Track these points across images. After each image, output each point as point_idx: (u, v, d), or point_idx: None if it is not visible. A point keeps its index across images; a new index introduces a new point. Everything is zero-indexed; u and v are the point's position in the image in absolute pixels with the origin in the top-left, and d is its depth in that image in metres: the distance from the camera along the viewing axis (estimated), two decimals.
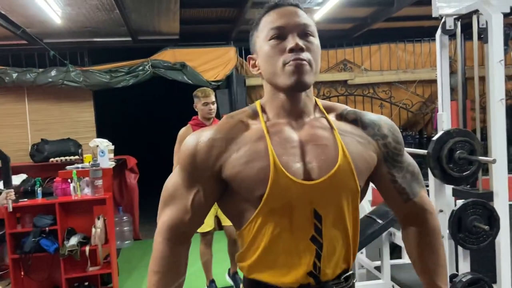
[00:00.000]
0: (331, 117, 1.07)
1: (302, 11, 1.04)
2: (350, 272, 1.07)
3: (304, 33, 1.01)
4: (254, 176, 0.97)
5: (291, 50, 0.98)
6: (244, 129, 1.03)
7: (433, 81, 5.17)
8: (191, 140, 1.04)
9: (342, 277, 1.04)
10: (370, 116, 1.09)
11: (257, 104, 1.08)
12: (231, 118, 1.05)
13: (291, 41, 0.99)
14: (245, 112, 1.07)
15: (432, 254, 1.12)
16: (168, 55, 5.65)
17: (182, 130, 3.41)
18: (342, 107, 1.11)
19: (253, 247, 1.02)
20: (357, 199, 1.03)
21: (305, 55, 0.99)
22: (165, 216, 1.06)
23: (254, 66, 1.08)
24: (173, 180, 1.07)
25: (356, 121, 1.07)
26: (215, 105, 3.39)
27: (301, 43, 0.99)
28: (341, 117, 1.08)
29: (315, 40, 1.03)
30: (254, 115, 1.06)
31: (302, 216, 0.99)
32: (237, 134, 1.02)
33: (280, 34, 1.00)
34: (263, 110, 1.06)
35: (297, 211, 0.98)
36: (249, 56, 1.10)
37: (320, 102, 1.10)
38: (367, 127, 1.06)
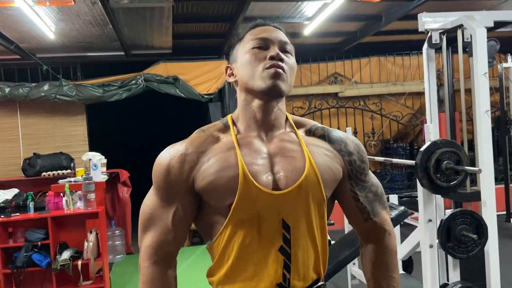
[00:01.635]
0: (300, 132, 1.09)
1: (283, 33, 1.10)
2: (321, 283, 1.07)
3: (284, 49, 1.06)
4: (223, 185, 0.98)
5: (272, 58, 1.03)
6: (215, 142, 1.05)
7: (423, 93, 5.25)
8: (163, 157, 1.05)
9: None
10: (338, 133, 1.13)
11: (228, 118, 1.10)
12: (202, 132, 1.07)
13: (273, 50, 1.04)
14: (216, 126, 1.09)
15: (386, 274, 1.12)
16: (161, 69, 5.70)
17: None
18: (311, 123, 1.14)
19: (223, 260, 1.03)
20: (323, 209, 1.05)
21: (284, 65, 1.04)
22: (147, 240, 1.05)
23: (231, 74, 1.10)
24: (149, 202, 1.06)
25: (324, 136, 1.10)
26: None
27: (281, 54, 1.04)
28: (309, 132, 1.11)
29: (293, 59, 1.08)
30: (225, 129, 1.08)
31: (271, 226, 1.00)
32: (207, 146, 1.04)
33: (262, 44, 1.05)
34: (234, 123, 1.09)
35: (265, 222, 0.99)
36: (227, 65, 1.13)
37: (291, 117, 1.12)
38: (334, 142, 1.09)
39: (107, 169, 4.82)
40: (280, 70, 1.02)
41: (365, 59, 6.47)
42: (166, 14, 4.11)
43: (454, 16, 2.87)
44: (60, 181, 4.22)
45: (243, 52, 1.07)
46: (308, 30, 5.07)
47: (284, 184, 1.00)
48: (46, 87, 5.44)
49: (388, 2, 4.45)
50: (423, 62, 3.15)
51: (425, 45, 3.05)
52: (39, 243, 3.65)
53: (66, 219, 3.83)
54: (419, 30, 3.02)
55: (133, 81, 5.59)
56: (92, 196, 3.75)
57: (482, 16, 2.87)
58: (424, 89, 3.20)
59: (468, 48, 2.77)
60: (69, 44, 5.10)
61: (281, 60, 1.03)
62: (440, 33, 2.97)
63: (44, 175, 5.22)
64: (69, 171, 5.21)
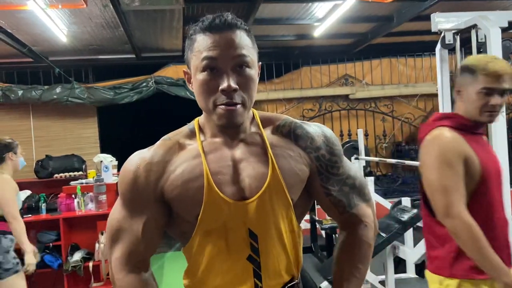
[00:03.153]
0: (267, 131, 1.05)
1: (239, 33, 0.97)
2: (295, 282, 1.05)
3: (239, 65, 0.96)
4: (190, 196, 0.97)
5: (223, 91, 0.95)
6: (180, 149, 1.02)
7: (435, 95, 5.20)
8: (128, 166, 1.02)
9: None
10: (306, 127, 1.07)
11: (195, 122, 1.07)
12: (168, 140, 1.04)
13: (224, 81, 0.95)
14: (182, 132, 1.06)
15: (352, 262, 1.09)
16: (171, 71, 5.72)
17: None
18: (279, 119, 1.08)
19: (194, 267, 1.02)
20: (291, 213, 1.02)
21: (238, 96, 0.96)
22: (117, 252, 1.02)
23: (189, 81, 1.05)
24: (116, 214, 1.03)
25: (290, 134, 1.06)
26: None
27: (233, 83, 0.95)
28: (276, 130, 1.06)
29: (251, 71, 0.98)
30: (192, 135, 1.04)
31: (238, 236, 0.98)
32: (173, 155, 1.01)
33: (213, 66, 0.96)
34: (201, 129, 1.05)
35: (232, 232, 0.98)
36: (184, 70, 1.06)
37: (259, 115, 1.08)
38: (299, 140, 1.05)
39: (118, 171, 4.84)
40: (234, 108, 0.95)
41: (376, 61, 6.42)
42: (177, 17, 4.13)
43: (467, 16, 2.83)
44: (72, 182, 4.24)
45: (193, 67, 0.99)
46: (319, 31, 5.05)
47: (248, 193, 0.98)
48: (58, 90, 5.49)
49: (399, 3, 4.40)
50: (436, 63, 3.11)
51: (438, 46, 3.01)
52: (51, 244, 3.68)
53: (78, 220, 3.85)
54: (432, 30, 2.98)
55: (144, 84, 5.62)
56: (103, 197, 3.76)
57: (496, 16, 2.83)
58: (437, 90, 3.16)
59: (482, 49, 2.73)
60: (81, 47, 5.15)
61: (235, 90, 0.95)
62: (454, 33, 2.93)
63: (56, 177, 5.27)
64: (80, 173, 5.25)
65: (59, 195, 4.06)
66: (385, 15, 4.89)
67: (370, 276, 3.38)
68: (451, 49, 3.04)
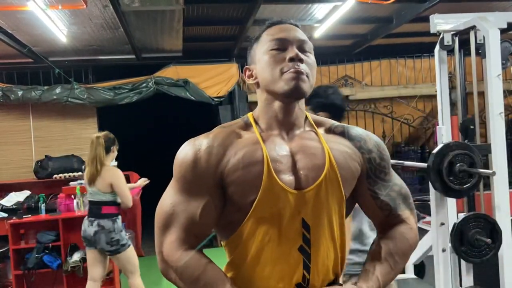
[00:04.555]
0: (320, 130, 1.09)
1: (301, 30, 1.09)
2: (339, 283, 1.05)
3: (302, 48, 1.05)
4: (249, 180, 0.98)
5: (291, 59, 1.01)
6: (238, 137, 1.04)
7: (434, 96, 5.19)
8: (186, 149, 1.02)
9: None
10: (358, 130, 1.11)
11: (249, 116, 1.09)
12: (224, 128, 1.07)
13: (291, 52, 1.02)
14: (237, 123, 1.08)
15: (388, 251, 1.05)
16: (171, 72, 5.72)
17: None
18: (330, 121, 1.13)
19: (241, 257, 1.02)
20: (343, 208, 1.04)
21: (304, 66, 1.02)
22: (172, 236, 1.00)
23: (250, 76, 1.09)
24: (170, 199, 1.02)
25: (344, 133, 1.09)
26: None
27: (300, 54, 1.03)
28: (329, 130, 1.10)
29: (312, 57, 1.07)
30: (246, 126, 1.07)
31: (291, 225, 0.99)
32: (232, 141, 1.03)
33: (280, 46, 1.04)
34: (256, 122, 1.08)
35: (286, 220, 0.99)
36: (246, 67, 1.12)
37: (311, 116, 1.13)
38: (354, 139, 1.08)
39: None
40: (301, 71, 1.01)
41: (375, 62, 6.43)
42: (177, 17, 4.13)
43: (466, 18, 2.84)
44: (71, 183, 4.25)
45: (261, 53, 1.06)
46: (319, 32, 5.06)
47: (305, 183, 1.00)
48: (58, 90, 5.49)
49: (399, 4, 4.41)
50: (435, 64, 3.11)
51: (437, 47, 3.01)
52: (50, 244, 3.69)
53: (77, 221, 3.84)
54: (431, 31, 2.98)
55: (144, 84, 5.62)
56: None
57: (495, 17, 2.83)
58: (436, 91, 3.16)
59: (481, 50, 2.73)
60: (81, 48, 5.15)
61: (301, 60, 1.02)
62: (453, 35, 2.93)
63: (55, 177, 5.27)
64: (80, 173, 5.25)
65: (58, 196, 4.06)
66: (385, 17, 4.90)
67: None
68: (450, 51, 3.04)
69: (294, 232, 0.99)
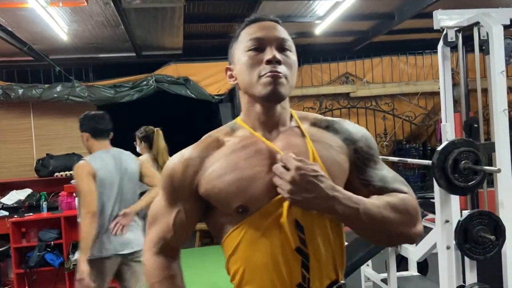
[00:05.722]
0: (305, 125, 1.08)
1: (281, 26, 1.06)
2: (341, 282, 1.04)
3: (282, 47, 1.02)
4: (227, 189, 0.98)
5: (268, 62, 0.99)
6: (220, 146, 1.04)
7: (436, 93, 5.20)
8: (170, 162, 1.09)
9: None
10: (343, 122, 1.10)
11: (238, 120, 1.09)
12: (209, 137, 1.07)
13: (269, 53, 1.00)
14: (223, 130, 1.09)
15: (383, 199, 1.00)
16: (172, 70, 5.71)
17: None
18: (315, 115, 1.12)
19: (237, 259, 1.02)
20: None
21: (282, 68, 1.00)
22: (150, 235, 1.11)
23: (231, 76, 1.08)
24: (157, 201, 1.12)
25: (328, 127, 1.08)
26: None
27: (278, 56, 1.00)
28: (314, 124, 1.09)
29: (292, 56, 1.04)
30: (232, 132, 1.07)
31: (283, 227, 0.98)
32: (211, 151, 1.04)
33: (258, 46, 1.01)
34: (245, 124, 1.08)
35: (277, 222, 0.98)
36: (227, 66, 1.11)
37: (295, 112, 1.11)
38: (338, 133, 1.07)
39: None
40: (279, 75, 0.99)
41: (377, 59, 6.41)
42: (178, 15, 4.12)
43: (470, 14, 2.82)
44: (73, 181, 4.24)
45: (239, 53, 1.05)
46: (320, 29, 5.04)
47: None
48: (58, 89, 5.48)
49: (401, 0, 4.40)
50: (438, 61, 3.09)
51: (441, 43, 3.00)
52: (52, 242, 3.68)
53: None
54: (434, 28, 2.97)
55: (144, 82, 5.62)
56: None
57: (499, 13, 2.81)
58: (439, 88, 3.15)
59: (484, 46, 2.71)
60: (81, 45, 5.14)
61: (279, 62, 1.00)
62: (456, 31, 2.92)
63: (57, 176, 5.27)
64: None
65: (60, 194, 4.06)
66: (386, 13, 4.89)
67: (372, 274, 3.38)
68: (453, 47, 3.03)
69: (287, 233, 0.98)
